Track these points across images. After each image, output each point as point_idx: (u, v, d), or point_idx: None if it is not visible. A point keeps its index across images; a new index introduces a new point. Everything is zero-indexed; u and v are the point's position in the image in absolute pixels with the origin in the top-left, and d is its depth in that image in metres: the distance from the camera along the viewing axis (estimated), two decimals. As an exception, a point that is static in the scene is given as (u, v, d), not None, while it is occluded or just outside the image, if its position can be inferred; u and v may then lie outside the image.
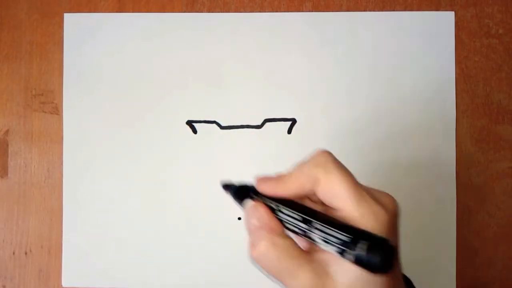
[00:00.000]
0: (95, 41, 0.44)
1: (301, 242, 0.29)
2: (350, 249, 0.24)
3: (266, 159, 0.43)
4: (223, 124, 0.43)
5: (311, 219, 0.27)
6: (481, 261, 0.43)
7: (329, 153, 0.29)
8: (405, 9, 0.44)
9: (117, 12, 0.44)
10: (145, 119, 0.44)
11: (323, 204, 0.29)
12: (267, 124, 0.43)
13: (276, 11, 0.44)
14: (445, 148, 0.43)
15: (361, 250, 0.24)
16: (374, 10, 0.44)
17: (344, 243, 0.25)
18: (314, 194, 0.29)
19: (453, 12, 0.43)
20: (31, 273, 0.44)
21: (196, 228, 0.43)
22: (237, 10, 0.44)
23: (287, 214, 0.28)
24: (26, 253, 0.44)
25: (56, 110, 0.44)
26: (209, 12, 0.44)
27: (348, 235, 0.24)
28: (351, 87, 0.43)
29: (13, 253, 0.44)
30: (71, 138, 0.44)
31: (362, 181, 0.44)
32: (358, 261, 0.24)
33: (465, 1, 0.44)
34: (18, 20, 0.45)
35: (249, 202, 0.31)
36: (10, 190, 0.44)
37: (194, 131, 0.43)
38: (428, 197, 0.43)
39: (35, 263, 0.44)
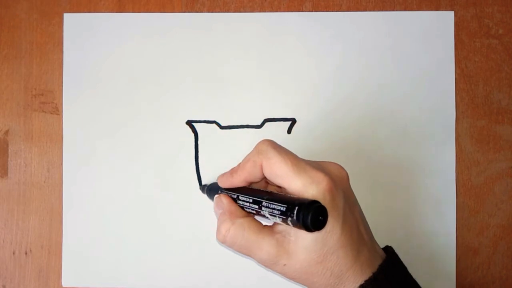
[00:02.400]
0: (95, 41, 0.44)
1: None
2: (288, 216, 0.28)
3: (266, 159, 0.43)
4: (223, 124, 0.43)
5: (258, 199, 0.31)
6: (481, 261, 0.43)
7: (270, 141, 0.32)
8: (405, 9, 0.44)
9: (117, 12, 0.44)
10: (145, 119, 0.44)
11: (278, 189, 0.33)
12: (267, 124, 0.43)
13: (276, 11, 0.44)
14: (445, 148, 0.43)
15: (294, 215, 0.27)
16: (374, 10, 0.44)
17: (282, 212, 0.29)
18: (259, 179, 0.33)
19: (453, 12, 0.43)
20: (31, 273, 0.44)
21: (196, 228, 0.43)
22: (237, 10, 0.44)
23: (243, 200, 0.33)
24: (26, 253, 0.44)
25: (56, 110, 0.44)
26: (209, 12, 0.44)
27: (283, 205, 0.29)
28: (351, 87, 0.43)
29: (13, 253, 0.44)
30: (71, 138, 0.44)
31: (361, 180, 0.44)
32: (295, 225, 0.28)
33: (465, 1, 0.44)
34: (18, 20, 0.45)
35: (216, 196, 0.36)
36: (10, 190, 0.44)
37: (194, 131, 0.43)
38: (428, 197, 0.43)
39: (35, 263, 0.44)
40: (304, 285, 0.32)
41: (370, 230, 0.33)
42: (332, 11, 0.44)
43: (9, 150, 0.45)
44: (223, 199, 0.34)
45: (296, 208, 0.27)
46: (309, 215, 0.27)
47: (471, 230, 0.43)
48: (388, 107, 0.43)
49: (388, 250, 0.33)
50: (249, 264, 0.43)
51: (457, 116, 0.43)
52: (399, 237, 0.42)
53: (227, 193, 0.35)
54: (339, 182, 0.31)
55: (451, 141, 0.43)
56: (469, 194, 0.43)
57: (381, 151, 0.43)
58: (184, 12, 0.44)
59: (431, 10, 0.44)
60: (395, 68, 0.43)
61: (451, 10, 0.44)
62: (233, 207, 0.33)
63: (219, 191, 0.36)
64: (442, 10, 0.44)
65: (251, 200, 0.32)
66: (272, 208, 0.30)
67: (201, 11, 0.44)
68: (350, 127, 0.43)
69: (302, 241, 0.30)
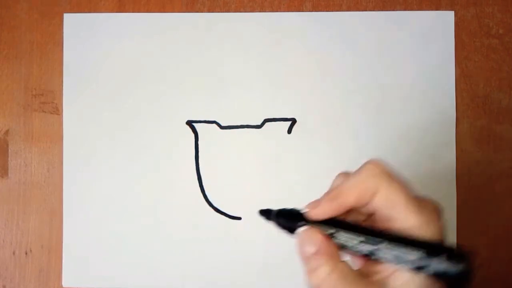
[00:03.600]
0: (95, 41, 0.44)
1: (354, 260, 0.29)
2: (427, 263, 0.24)
3: (266, 159, 0.43)
4: (223, 124, 0.43)
5: (375, 241, 0.26)
6: (481, 261, 0.43)
7: (384, 163, 0.29)
8: (405, 9, 0.44)
9: (117, 12, 0.44)
10: (145, 119, 0.44)
11: (366, 217, 0.29)
12: (267, 124, 0.43)
13: (276, 11, 0.44)
14: (445, 148, 0.43)
15: (440, 262, 0.23)
16: (374, 10, 0.44)
17: (419, 259, 0.24)
18: (362, 207, 0.28)
19: (453, 12, 0.43)
20: (31, 273, 0.44)
21: (196, 228, 0.43)
22: (237, 10, 0.44)
23: (346, 236, 0.28)
24: (26, 253, 0.44)
25: (56, 110, 0.44)
26: (209, 12, 0.44)
27: (422, 249, 0.24)
28: (351, 87, 0.43)
29: (13, 253, 0.44)
30: (71, 138, 0.44)
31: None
32: (440, 274, 0.24)
33: (465, 1, 0.44)
34: (18, 20, 0.45)
35: (302, 229, 0.29)
36: (10, 190, 0.44)
37: (194, 131, 0.43)
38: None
39: (35, 263, 0.44)
40: None
41: None
42: (332, 11, 0.44)
43: (9, 150, 0.45)
44: (315, 236, 0.28)
45: (446, 254, 0.24)
46: (462, 263, 0.24)
47: (471, 230, 0.43)
48: (388, 107, 0.43)
49: None
50: (249, 264, 0.43)
51: (457, 116, 0.43)
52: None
53: (319, 226, 0.29)
54: (443, 222, 0.28)
55: (451, 141, 0.43)
56: (469, 194, 0.43)
57: (381, 151, 0.43)
58: (184, 12, 0.44)
59: (431, 10, 0.44)
60: (395, 68, 0.43)
61: (451, 10, 0.44)
62: (332, 248, 0.28)
63: (300, 222, 0.30)
64: (442, 10, 0.44)
65: (362, 239, 0.27)
66: (399, 252, 0.25)
67: (201, 11, 0.44)
68: (350, 127, 0.43)
69: None
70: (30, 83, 0.45)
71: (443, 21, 0.43)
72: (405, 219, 0.26)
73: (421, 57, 0.43)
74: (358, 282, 0.27)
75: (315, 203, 0.29)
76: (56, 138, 0.44)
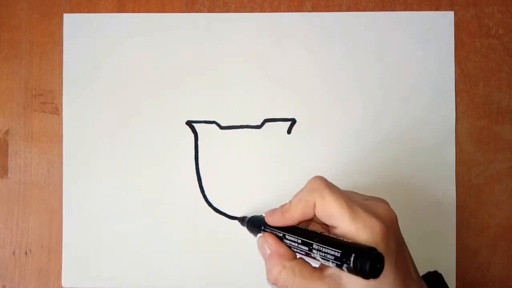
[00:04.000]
0: (95, 41, 0.44)
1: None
2: (343, 262, 0.28)
3: (266, 159, 0.43)
4: (223, 124, 0.43)
5: (308, 241, 0.30)
6: (481, 261, 0.43)
7: (322, 178, 0.32)
8: (405, 9, 0.44)
9: (117, 12, 0.44)
10: (145, 119, 0.44)
11: (325, 224, 0.32)
12: (267, 124, 0.43)
13: (276, 11, 0.44)
14: (445, 148, 0.43)
15: (351, 262, 0.27)
16: (374, 10, 0.44)
17: (337, 257, 0.28)
18: (309, 218, 0.32)
19: (452, 12, 0.43)
20: (31, 273, 0.44)
21: (196, 228, 0.43)
22: (237, 10, 0.44)
23: (290, 239, 0.32)
24: (26, 253, 0.44)
25: (56, 110, 0.44)
26: (209, 12, 0.44)
27: (338, 250, 0.28)
28: (351, 87, 0.43)
29: (13, 253, 0.44)
30: (71, 138, 0.44)
31: (362, 181, 0.44)
32: (351, 271, 0.27)
33: (465, 1, 0.44)
34: (18, 20, 0.45)
35: (259, 235, 0.35)
36: (10, 190, 0.44)
37: (194, 131, 0.43)
38: (428, 197, 0.43)
39: (35, 263, 0.44)
40: None
41: (415, 266, 0.32)
42: (332, 11, 0.44)
43: (9, 150, 0.45)
44: (269, 240, 0.34)
45: (353, 255, 0.27)
46: (367, 263, 0.26)
47: (471, 230, 0.43)
48: (388, 107, 0.43)
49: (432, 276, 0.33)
50: (249, 264, 0.43)
51: (457, 116, 0.43)
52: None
53: (272, 230, 0.34)
54: (390, 225, 0.30)
55: (451, 141, 0.43)
56: (469, 194, 0.43)
57: (381, 151, 0.43)
58: (184, 12, 0.44)
59: (431, 10, 0.44)
60: (395, 68, 0.43)
61: (451, 10, 0.44)
62: (282, 248, 0.33)
63: (262, 227, 0.35)
64: (442, 10, 0.44)
65: (299, 241, 0.31)
66: (325, 252, 0.29)
67: (201, 11, 0.44)
68: (349, 127, 0.43)
69: (354, 286, 0.29)
70: (30, 83, 0.45)
71: (443, 22, 0.43)
72: (341, 226, 0.30)
73: (421, 57, 0.43)
74: (309, 277, 0.31)
75: (272, 212, 0.34)
76: (56, 138, 0.44)
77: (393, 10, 0.44)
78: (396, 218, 0.31)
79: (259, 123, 0.43)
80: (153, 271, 0.43)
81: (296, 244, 0.32)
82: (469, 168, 0.43)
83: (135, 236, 0.43)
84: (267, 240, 0.34)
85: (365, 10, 0.44)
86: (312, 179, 0.32)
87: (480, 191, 0.43)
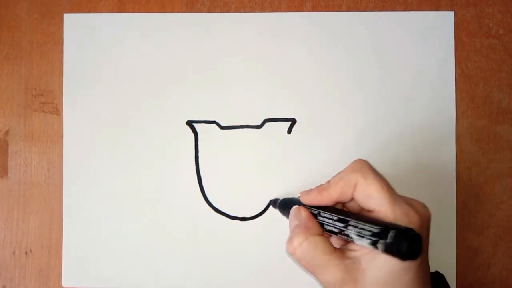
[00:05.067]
0: (95, 41, 0.44)
1: (337, 243, 0.33)
2: (381, 238, 0.27)
3: (266, 159, 0.43)
4: (223, 124, 0.43)
5: (346, 218, 0.30)
6: (481, 261, 0.43)
7: (366, 161, 0.32)
8: (405, 9, 0.44)
9: (117, 12, 0.44)
10: (145, 119, 0.44)
11: (359, 210, 0.32)
12: (267, 124, 0.43)
13: (276, 11, 0.44)
14: (445, 148, 0.43)
15: (390, 239, 0.26)
16: (374, 10, 0.44)
17: (374, 234, 0.27)
18: (351, 201, 0.32)
19: (453, 12, 0.43)
20: (31, 273, 0.44)
21: (196, 228, 0.43)
22: (237, 10, 0.44)
23: (325, 216, 0.32)
24: (26, 253, 0.44)
25: (56, 110, 0.44)
26: (209, 12, 0.44)
27: (377, 227, 0.27)
28: (351, 87, 0.43)
29: (13, 253, 0.44)
30: (71, 138, 0.44)
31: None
32: (388, 249, 0.27)
33: (465, 1, 0.44)
34: (18, 20, 0.45)
35: (294, 207, 0.35)
36: (10, 190, 0.44)
37: (194, 131, 0.43)
38: (428, 197, 0.43)
39: (35, 263, 0.44)
40: None
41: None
42: (332, 11, 0.44)
43: (9, 150, 0.45)
44: (302, 212, 0.33)
45: (392, 232, 0.26)
46: (406, 241, 0.26)
47: (471, 230, 0.43)
48: (388, 107, 0.43)
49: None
50: (249, 264, 0.43)
51: (457, 116, 0.43)
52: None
53: (308, 208, 0.34)
54: (425, 221, 0.30)
55: (451, 141, 0.43)
56: (469, 194, 0.43)
57: (381, 151, 0.43)
58: (184, 12, 0.44)
59: (431, 10, 0.44)
60: (395, 68, 0.43)
61: (451, 10, 0.44)
62: (311, 222, 0.32)
63: (296, 207, 0.35)
64: (442, 10, 0.44)
65: (335, 218, 0.31)
66: (362, 229, 0.28)
67: (201, 11, 0.44)
68: (350, 127, 0.43)
69: (373, 272, 0.29)
70: (30, 83, 0.45)
71: (443, 22, 0.43)
72: (380, 210, 0.29)
73: (421, 57, 0.43)
74: (329, 254, 0.30)
75: (307, 191, 0.34)
76: (56, 138, 0.44)
77: (393, 10, 0.44)
78: (430, 217, 0.31)
79: (259, 123, 0.43)
80: (153, 271, 0.43)
81: (331, 221, 0.31)
82: (469, 168, 0.43)
83: (135, 236, 0.43)
84: (300, 212, 0.33)
85: (365, 10, 0.44)
86: (355, 160, 0.32)
87: (480, 191, 0.43)
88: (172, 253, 0.43)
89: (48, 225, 0.44)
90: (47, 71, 0.45)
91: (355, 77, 0.43)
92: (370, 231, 0.28)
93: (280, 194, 0.43)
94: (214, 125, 0.43)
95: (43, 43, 0.45)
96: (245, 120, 0.43)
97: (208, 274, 0.43)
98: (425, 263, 0.30)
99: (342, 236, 0.30)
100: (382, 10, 0.44)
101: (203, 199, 0.43)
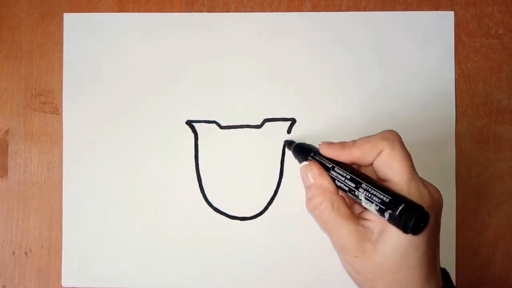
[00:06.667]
0: (95, 41, 0.44)
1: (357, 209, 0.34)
2: (388, 208, 0.27)
3: (266, 159, 0.43)
4: (222, 124, 0.43)
5: (359, 180, 0.30)
6: (481, 261, 0.43)
7: (397, 133, 0.33)
8: (405, 9, 0.44)
9: (117, 12, 0.44)
10: (145, 119, 0.44)
11: (374, 177, 0.32)
12: (267, 124, 0.43)
13: (276, 11, 0.44)
14: (445, 148, 0.43)
15: (399, 211, 0.27)
16: (374, 10, 0.44)
17: (383, 202, 0.28)
18: (367, 166, 0.33)
19: (452, 12, 0.43)
20: (31, 273, 0.44)
21: (196, 228, 0.43)
22: (237, 10, 0.44)
23: (338, 172, 0.32)
24: (26, 253, 0.44)
25: (56, 110, 0.44)
26: (209, 12, 0.44)
27: (388, 196, 0.28)
28: (351, 87, 0.43)
29: (13, 253, 0.44)
30: (71, 138, 0.44)
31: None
32: (391, 220, 0.27)
33: (465, 1, 0.44)
34: (18, 20, 0.45)
35: (304, 163, 0.35)
36: (10, 190, 0.44)
37: (194, 131, 0.43)
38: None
39: (35, 263, 0.44)
40: (360, 286, 0.32)
41: (439, 263, 0.33)
42: (332, 11, 0.44)
43: (9, 150, 0.45)
44: (314, 169, 0.34)
45: (403, 205, 0.27)
46: (414, 217, 0.26)
47: (471, 230, 0.43)
48: (388, 107, 0.43)
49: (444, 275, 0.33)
50: (249, 264, 0.43)
51: (457, 116, 0.43)
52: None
53: (321, 159, 0.34)
54: (436, 205, 0.31)
55: (451, 141, 0.43)
56: (469, 194, 0.43)
57: (381, 151, 0.43)
58: (184, 12, 0.44)
59: (431, 10, 0.44)
60: (395, 68, 0.43)
61: (451, 10, 0.44)
62: (325, 182, 0.33)
63: (311, 155, 0.35)
64: (442, 10, 0.44)
65: (348, 177, 0.31)
66: (373, 194, 0.29)
67: (201, 11, 0.44)
68: (350, 127, 0.43)
69: (382, 245, 0.29)
70: (30, 83, 0.45)
71: (443, 21, 0.43)
72: (396, 182, 0.30)
73: (421, 57, 0.43)
74: (345, 217, 0.31)
75: (329, 143, 0.34)
76: (55, 138, 0.44)
77: (393, 10, 0.44)
78: (442, 202, 0.32)
79: (259, 123, 0.43)
80: (153, 271, 0.43)
81: (343, 179, 0.32)
82: (469, 168, 0.43)
83: (135, 236, 0.43)
84: (312, 169, 0.34)
85: (365, 10, 0.44)
86: (387, 130, 0.33)
87: (480, 191, 0.43)
88: (172, 253, 0.43)
89: (48, 225, 0.44)
90: (47, 71, 0.45)
91: (355, 77, 0.43)
92: (380, 198, 0.28)
93: (280, 194, 0.43)
94: (214, 125, 0.43)
95: (43, 43, 0.45)
96: (245, 120, 0.43)
97: (208, 274, 0.43)
98: (434, 247, 0.31)
99: (351, 195, 0.31)
100: (382, 10, 0.44)
101: (202, 199, 0.43)
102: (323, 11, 0.44)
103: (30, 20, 0.45)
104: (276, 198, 0.43)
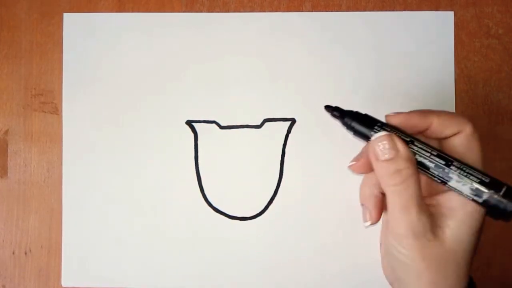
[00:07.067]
0: (95, 41, 0.44)
1: None
2: (490, 188, 0.26)
3: (266, 159, 0.43)
4: (222, 124, 0.43)
5: (448, 157, 0.28)
6: (481, 261, 0.43)
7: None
8: (404, 9, 0.44)
9: (117, 12, 0.44)
10: (145, 119, 0.44)
11: None
12: (267, 124, 0.43)
13: (276, 11, 0.44)
14: (445, 148, 0.43)
15: (502, 193, 0.25)
16: (373, 10, 0.44)
17: (482, 182, 0.26)
18: (437, 137, 0.31)
19: (452, 12, 0.43)
20: (31, 273, 0.44)
21: (196, 228, 0.43)
22: (236, 10, 0.44)
23: (421, 147, 0.29)
24: (26, 253, 0.44)
25: (56, 110, 0.44)
26: (208, 12, 0.44)
27: (486, 176, 0.26)
28: (351, 87, 0.43)
29: (13, 253, 0.44)
30: (71, 138, 0.44)
31: (361, 181, 0.44)
32: (495, 203, 0.26)
33: (464, 1, 0.44)
34: (18, 20, 0.45)
35: (379, 134, 0.31)
36: (10, 190, 0.44)
37: (194, 131, 0.43)
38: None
39: (35, 263, 0.44)
40: (397, 271, 0.31)
41: None
42: (332, 11, 0.44)
43: (8, 150, 0.45)
44: (397, 141, 0.30)
45: (505, 187, 0.25)
46: None
47: (471, 230, 0.43)
48: (387, 107, 0.43)
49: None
50: (249, 264, 0.43)
51: (457, 116, 0.43)
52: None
53: (398, 134, 0.30)
54: None
55: (451, 141, 0.43)
56: (469, 194, 0.43)
57: (381, 151, 0.43)
58: (183, 12, 0.44)
59: (431, 10, 0.44)
60: (395, 68, 0.43)
61: (451, 10, 0.44)
62: (412, 154, 0.30)
63: (378, 125, 0.31)
64: (442, 10, 0.44)
65: (435, 153, 0.29)
66: (469, 173, 0.27)
67: (201, 11, 0.44)
68: (350, 127, 0.43)
69: (452, 232, 0.29)
70: (30, 83, 0.45)
71: (443, 21, 0.43)
72: (473, 164, 0.29)
73: (420, 57, 0.43)
74: (420, 199, 0.29)
75: (396, 113, 0.32)
76: (55, 138, 0.44)
77: (392, 10, 0.44)
78: None
79: (259, 123, 0.43)
80: (153, 271, 0.43)
81: (428, 154, 0.29)
82: (469, 168, 0.43)
83: (135, 236, 0.43)
84: (395, 141, 0.30)
85: (365, 10, 0.44)
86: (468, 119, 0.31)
87: (480, 191, 0.43)
88: (171, 253, 0.43)
89: (47, 225, 0.44)
90: (47, 71, 0.45)
91: (355, 77, 0.43)
92: (479, 178, 0.26)
93: (280, 194, 0.43)
94: (213, 125, 0.43)
95: (43, 43, 0.45)
96: (245, 120, 0.43)
97: (208, 274, 0.43)
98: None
99: (434, 174, 0.29)
100: (381, 10, 0.44)
101: (202, 199, 0.43)
102: (323, 11, 0.44)
103: (30, 20, 0.45)
104: (276, 198, 0.43)
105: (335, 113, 0.34)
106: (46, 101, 0.44)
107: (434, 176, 0.29)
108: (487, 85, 0.43)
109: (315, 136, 0.43)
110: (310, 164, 0.43)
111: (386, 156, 0.30)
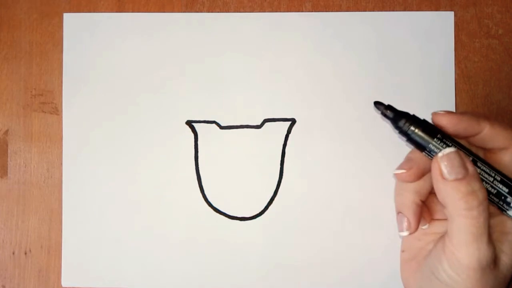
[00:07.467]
0: (95, 41, 0.44)
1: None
2: None
3: (266, 159, 0.43)
4: (222, 124, 0.43)
5: (510, 182, 0.26)
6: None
7: None
8: (405, 9, 0.44)
9: (117, 12, 0.44)
10: (145, 119, 0.44)
11: None
12: (267, 124, 0.43)
13: (276, 11, 0.44)
14: (445, 148, 0.43)
15: None
16: (373, 10, 0.44)
17: None
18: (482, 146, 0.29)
19: (452, 12, 0.43)
20: (30, 273, 0.44)
21: (196, 228, 0.43)
22: (236, 10, 0.44)
23: (484, 170, 0.27)
24: (25, 253, 0.44)
25: (56, 110, 0.44)
26: (208, 12, 0.44)
27: None
28: (351, 87, 0.43)
29: (13, 253, 0.44)
30: (71, 138, 0.44)
31: (362, 181, 0.44)
32: None
33: (464, 1, 0.44)
34: (17, 20, 0.45)
35: (448, 150, 0.27)
36: (10, 190, 0.44)
37: (194, 131, 0.43)
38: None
39: (34, 263, 0.44)
40: None
41: None
42: (332, 11, 0.44)
43: (8, 150, 0.44)
44: (466, 160, 0.27)
45: None
46: None
47: (471, 230, 0.43)
48: (388, 107, 0.43)
49: None
50: (249, 265, 0.43)
51: (457, 116, 0.43)
52: (399, 238, 0.42)
53: (461, 150, 0.27)
54: None
55: (451, 141, 0.43)
56: (469, 194, 0.43)
57: (381, 151, 0.43)
58: (183, 12, 0.44)
59: (431, 10, 0.44)
60: (395, 68, 0.43)
61: (451, 10, 0.44)
62: (480, 180, 0.27)
63: (439, 136, 0.28)
64: (442, 10, 0.44)
65: (498, 178, 0.26)
66: None
67: (201, 11, 0.44)
68: (350, 127, 0.43)
69: (504, 256, 0.27)
70: (30, 83, 0.45)
71: (443, 22, 0.43)
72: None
73: (420, 57, 0.43)
74: (486, 229, 0.26)
75: (446, 112, 0.29)
76: (55, 138, 0.44)
77: (392, 10, 0.44)
78: None
79: (259, 123, 0.43)
80: (153, 271, 0.43)
81: (492, 179, 0.26)
82: (469, 168, 0.43)
83: (134, 236, 0.43)
84: (465, 159, 0.27)
85: (365, 10, 0.44)
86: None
87: (480, 191, 0.43)
88: (171, 253, 0.43)
89: (47, 225, 0.44)
90: (47, 71, 0.45)
91: (355, 77, 0.43)
92: None
93: (280, 194, 0.43)
94: (214, 125, 0.43)
95: (42, 43, 0.45)
96: (245, 120, 0.43)
97: (208, 274, 0.43)
98: None
99: (494, 200, 0.26)
100: (381, 10, 0.44)
101: (202, 199, 0.43)
102: (323, 11, 0.44)
103: (30, 20, 0.45)
104: (276, 198, 0.43)
105: (387, 112, 0.30)
106: (46, 101, 0.44)
107: (493, 202, 0.27)
108: (487, 85, 0.43)
109: (315, 136, 0.43)
110: (310, 164, 0.43)
111: (457, 176, 0.26)
